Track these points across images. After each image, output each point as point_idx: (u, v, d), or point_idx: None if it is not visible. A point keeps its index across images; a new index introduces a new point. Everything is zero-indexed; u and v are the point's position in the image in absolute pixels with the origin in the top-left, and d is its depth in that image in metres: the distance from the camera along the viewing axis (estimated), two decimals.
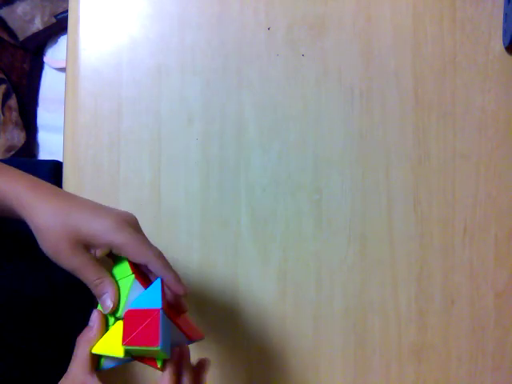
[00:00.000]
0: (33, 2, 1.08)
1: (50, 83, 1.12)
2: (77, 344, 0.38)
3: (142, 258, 0.38)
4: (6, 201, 0.39)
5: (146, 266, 0.39)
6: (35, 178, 0.41)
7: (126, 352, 0.37)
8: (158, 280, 0.39)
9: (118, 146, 0.58)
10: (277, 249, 0.57)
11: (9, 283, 0.45)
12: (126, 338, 0.36)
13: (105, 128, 0.58)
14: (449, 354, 0.57)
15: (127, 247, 0.38)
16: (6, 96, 1.11)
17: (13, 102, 1.11)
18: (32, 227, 0.38)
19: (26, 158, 1.09)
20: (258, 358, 0.57)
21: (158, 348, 0.35)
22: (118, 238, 0.38)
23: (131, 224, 0.39)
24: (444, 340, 0.57)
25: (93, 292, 0.39)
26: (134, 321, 0.37)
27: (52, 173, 0.60)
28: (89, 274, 0.38)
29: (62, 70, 1.09)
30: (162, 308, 0.37)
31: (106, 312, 0.39)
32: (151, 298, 0.38)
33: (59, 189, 0.42)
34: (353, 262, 0.57)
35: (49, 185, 0.41)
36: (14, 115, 1.11)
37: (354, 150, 0.58)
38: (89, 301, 0.55)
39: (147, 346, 0.36)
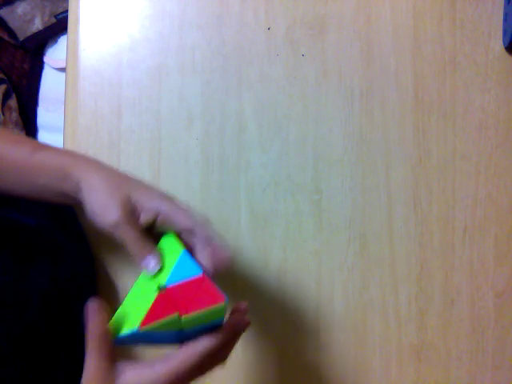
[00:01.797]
0: (33, 1, 1.08)
1: (50, 83, 1.12)
2: (88, 336, 0.37)
3: (189, 221, 0.40)
4: (60, 177, 0.41)
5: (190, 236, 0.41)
6: (83, 155, 0.45)
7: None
8: (183, 252, 0.40)
9: (118, 146, 0.58)
10: (277, 249, 0.57)
11: (13, 278, 0.45)
12: (184, 308, 0.36)
13: (105, 128, 0.58)
14: (449, 354, 0.57)
15: (175, 212, 0.40)
16: (6, 96, 1.11)
17: (13, 102, 1.11)
18: (86, 188, 0.40)
19: None
20: (257, 358, 0.57)
21: (225, 302, 0.36)
22: (166, 204, 0.40)
23: (175, 201, 0.42)
24: (444, 340, 0.57)
25: (134, 253, 0.40)
26: (181, 294, 0.37)
27: None
28: (133, 232, 0.40)
29: (62, 70, 1.09)
30: (203, 271, 0.38)
31: (151, 272, 0.40)
32: (186, 269, 0.38)
33: (102, 162, 0.45)
34: (353, 261, 0.57)
35: (98, 161, 0.44)
36: (14, 115, 1.11)
37: (353, 150, 0.58)
38: (94, 294, 0.55)
39: (212, 306, 0.36)
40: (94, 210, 0.40)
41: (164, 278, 0.39)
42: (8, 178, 0.44)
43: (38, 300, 0.46)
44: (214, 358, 0.39)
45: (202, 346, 0.36)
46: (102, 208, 0.40)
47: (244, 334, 0.52)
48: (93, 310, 0.36)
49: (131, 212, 0.40)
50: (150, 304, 0.36)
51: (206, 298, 0.36)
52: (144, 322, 0.35)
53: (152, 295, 0.37)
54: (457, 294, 0.57)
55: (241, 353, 0.57)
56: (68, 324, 0.49)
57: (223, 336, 0.37)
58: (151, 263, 0.40)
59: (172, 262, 0.40)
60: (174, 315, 0.35)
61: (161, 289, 0.38)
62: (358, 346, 0.57)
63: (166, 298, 0.37)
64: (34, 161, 0.42)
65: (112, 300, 0.57)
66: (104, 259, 0.57)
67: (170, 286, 0.38)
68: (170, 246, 0.41)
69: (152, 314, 0.35)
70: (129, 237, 0.40)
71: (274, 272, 0.57)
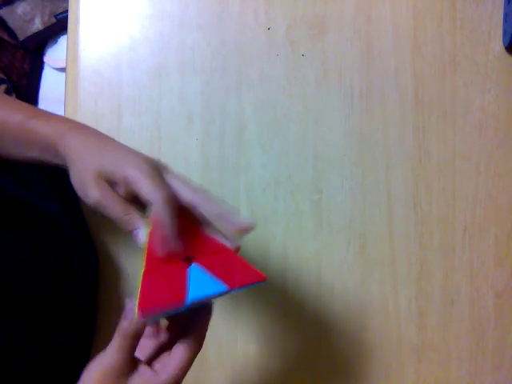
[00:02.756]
0: (33, 1, 1.08)
1: (50, 83, 1.12)
2: (119, 332, 0.36)
3: (148, 196, 0.36)
4: (52, 145, 0.41)
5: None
6: (75, 122, 0.44)
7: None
8: None
9: None
10: (277, 249, 0.57)
11: (14, 259, 0.45)
12: (231, 281, 0.36)
13: (105, 128, 0.58)
14: (449, 354, 0.57)
15: (137, 182, 0.37)
16: None
17: None
18: (69, 167, 0.40)
19: None
20: (257, 358, 0.57)
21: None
22: (131, 172, 0.37)
23: (153, 164, 0.39)
24: (444, 340, 0.57)
25: (122, 227, 0.38)
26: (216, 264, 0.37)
27: None
28: (115, 206, 0.38)
29: (62, 69, 1.09)
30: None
31: (138, 245, 0.38)
32: None
33: (99, 132, 0.43)
34: (353, 262, 0.57)
35: (89, 127, 0.43)
36: None
37: (353, 150, 0.58)
38: (95, 275, 0.55)
39: (256, 283, 0.36)
40: (76, 187, 0.39)
41: None
42: (4, 144, 0.44)
43: (46, 285, 0.46)
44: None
45: (188, 353, 0.37)
46: (81, 186, 0.38)
47: (244, 333, 0.53)
48: (130, 310, 0.36)
49: (109, 186, 0.38)
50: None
51: (247, 273, 0.36)
52: (190, 299, 0.35)
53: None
54: (457, 294, 0.57)
55: (241, 353, 0.57)
56: (71, 310, 0.49)
57: (198, 341, 0.37)
58: (138, 236, 0.38)
59: None
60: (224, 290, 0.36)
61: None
62: (358, 346, 0.57)
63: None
64: (26, 129, 0.42)
65: (113, 282, 0.57)
66: (104, 241, 0.57)
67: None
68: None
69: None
70: (112, 211, 0.38)
71: (273, 272, 0.57)
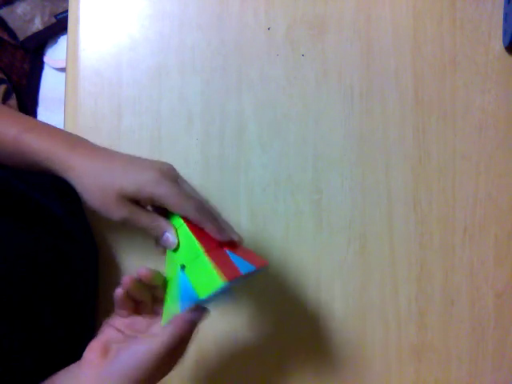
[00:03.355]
0: (33, 1, 1.08)
1: (50, 83, 1.12)
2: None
3: (179, 210, 0.41)
4: (46, 162, 0.41)
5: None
6: (71, 136, 0.44)
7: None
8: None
9: (118, 146, 0.57)
10: (277, 249, 0.57)
11: (15, 251, 0.45)
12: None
13: (105, 128, 0.58)
14: (449, 354, 0.57)
15: (166, 199, 0.40)
16: (6, 96, 1.11)
17: (13, 102, 1.11)
18: (78, 188, 0.41)
19: None
20: (257, 358, 0.57)
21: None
22: (157, 191, 0.40)
23: (170, 176, 0.42)
24: (444, 340, 0.57)
25: (153, 236, 0.41)
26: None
27: None
28: (142, 219, 0.41)
29: (62, 69, 1.09)
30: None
31: (171, 247, 0.41)
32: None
33: (96, 146, 0.44)
34: (353, 261, 0.57)
35: (85, 142, 0.44)
36: None
37: (353, 150, 0.58)
38: (95, 268, 0.56)
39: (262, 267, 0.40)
40: (97, 210, 0.41)
41: (185, 256, 0.41)
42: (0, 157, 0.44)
43: (46, 277, 0.46)
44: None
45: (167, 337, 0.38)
46: (104, 209, 0.40)
47: (244, 333, 0.53)
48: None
49: (131, 202, 0.41)
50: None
51: (255, 259, 0.41)
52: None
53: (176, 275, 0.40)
54: (457, 294, 0.57)
55: (241, 352, 0.57)
56: (71, 302, 0.49)
57: (178, 330, 0.39)
58: (169, 239, 0.41)
59: (187, 236, 0.41)
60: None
61: (182, 267, 0.40)
62: (358, 346, 0.57)
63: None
64: (20, 144, 0.42)
65: (112, 277, 0.57)
66: (105, 237, 0.57)
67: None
68: (178, 224, 0.42)
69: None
70: (140, 224, 0.41)
71: (273, 272, 0.57)
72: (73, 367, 0.39)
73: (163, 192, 0.40)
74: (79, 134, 0.57)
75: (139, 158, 0.44)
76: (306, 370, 0.58)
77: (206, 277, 0.38)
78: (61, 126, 0.58)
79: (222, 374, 0.57)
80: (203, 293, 0.37)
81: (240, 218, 0.57)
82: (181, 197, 0.41)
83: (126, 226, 0.41)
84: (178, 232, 0.42)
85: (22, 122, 0.44)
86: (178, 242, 0.41)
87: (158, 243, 0.42)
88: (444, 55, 0.58)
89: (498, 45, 0.58)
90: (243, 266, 0.40)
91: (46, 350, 0.45)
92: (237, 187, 0.57)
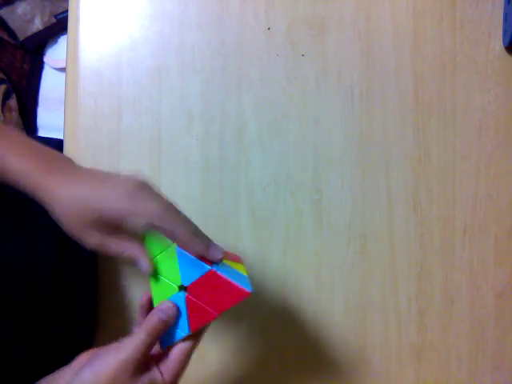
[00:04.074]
0: (33, 1, 1.08)
1: (50, 83, 1.12)
2: (145, 325, 0.38)
3: (167, 227, 0.38)
4: (21, 181, 0.40)
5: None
6: (49, 156, 0.42)
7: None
8: (177, 248, 0.41)
9: (118, 146, 0.57)
10: (277, 249, 0.57)
11: (18, 255, 0.45)
12: (215, 308, 0.38)
13: (105, 128, 0.58)
14: (449, 354, 0.57)
15: (139, 218, 0.38)
16: (6, 96, 1.11)
17: (13, 101, 1.11)
18: (53, 213, 0.39)
19: (33, 135, 1.08)
20: (257, 358, 0.57)
21: (252, 294, 0.37)
22: (136, 211, 0.38)
23: (145, 191, 0.39)
24: (444, 340, 0.57)
25: (127, 261, 0.40)
26: (204, 290, 0.38)
27: None
28: (112, 249, 0.39)
29: (62, 69, 1.09)
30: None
31: (146, 274, 0.40)
32: (192, 265, 0.39)
33: (72, 166, 0.42)
34: (353, 261, 0.57)
35: (62, 164, 0.41)
36: (14, 115, 1.11)
37: (354, 150, 0.58)
38: (94, 265, 0.56)
39: (239, 301, 0.37)
40: (71, 233, 0.39)
41: (176, 278, 0.39)
42: None
43: (44, 269, 0.46)
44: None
45: (186, 354, 0.38)
46: (77, 234, 0.39)
47: (244, 333, 0.53)
48: (161, 309, 0.38)
49: (106, 227, 0.39)
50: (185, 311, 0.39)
51: (230, 293, 0.38)
52: (192, 329, 0.38)
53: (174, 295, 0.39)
54: (457, 294, 0.57)
55: (241, 352, 0.57)
56: (69, 300, 0.49)
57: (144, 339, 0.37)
58: (143, 267, 0.40)
59: (172, 259, 0.40)
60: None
61: (180, 288, 0.39)
62: (357, 346, 0.57)
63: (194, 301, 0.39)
64: (2, 168, 0.40)
65: (112, 278, 0.57)
66: None
67: (189, 284, 0.39)
68: (158, 242, 0.41)
69: (194, 321, 0.38)
70: (112, 252, 0.40)
71: (273, 272, 0.57)
72: (57, 372, 0.38)
73: (142, 212, 0.38)
74: (79, 134, 0.58)
75: (111, 175, 0.41)
76: (306, 370, 0.58)
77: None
78: (61, 126, 0.58)
79: (222, 372, 0.57)
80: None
81: (240, 218, 0.57)
82: (167, 223, 0.38)
83: (101, 253, 0.40)
84: (165, 254, 0.41)
85: (2, 146, 0.42)
86: (156, 270, 0.40)
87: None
88: (444, 55, 0.58)
89: (498, 45, 0.58)
90: (242, 282, 0.38)
91: (46, 350, 0.45)
92: (237, 187, 0.57)
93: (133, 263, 0.40)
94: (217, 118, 0.58)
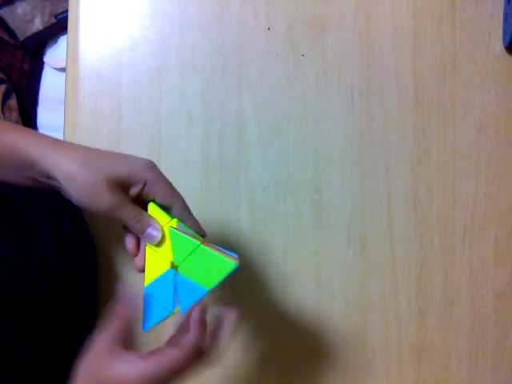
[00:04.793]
0: (33, 1, 1.08)
1: (50, 83, 1.12)
2: (115, 316, 0.38)
3: (169, 197, 0.40)
4: (24, 151, 0.39)
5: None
6: (50, 137, 0.41)
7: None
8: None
9: (118, 146, 0.58)
10: (277, 249, 0.57)
11: (17, 256, 0.45)
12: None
13: (105, 128, 0.58)
14: (449, 354, 0.57)
15: (159, 185, 0.40)
16: (6, 96, 1.11)
17: (13, 101, 1.11)
18: (62, 177, 0.38)
19: None
20: (257, 358, 0.57)
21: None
22: (151, 175, 0.40)
23: (157, 168, 0.41)
24: (444, 340, 0.57)
25: (134, 229, 0.40)
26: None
27: None
28: (128, 211, 0.39)
29: (62, 69, 1.09)
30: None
31: (154, 242, 0.40)
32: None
33: (74, 144, 0.42)
34: (353, 262, 0.57)
35: (64, 141, 0.41)
36: (14, 115, 1.11)
37: (353, 150, 0.58)
38: (94, 265, 0.56)
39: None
40: (83, 199, 0.39)
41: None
42: None
43: (42, 271, 0.46)
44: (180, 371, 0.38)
45: (170, 354, 0.37)
46: (92, 197, 0.38)
47: (244, 333, 0.52)
48: (129, 298, 0.38)
49: (120, 189, 0.39)
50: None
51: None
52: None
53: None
54: (457, 294, 0.57)
55: (240, 352, 0.57)
56: (69, 300, 0.49)
57: (185, 350, 0.37)
58: (153, 233, 0.40)
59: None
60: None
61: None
62: (358, 346, 0.57)
63: None
64: (1, 144, 0.40)
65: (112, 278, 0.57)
66: (103, 239, 0.57)
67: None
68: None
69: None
70: (126, 215, 0.40)
71: (273, 272, 0.57)
72: None
73: (156, 177, 0.40)
74: (79, 134, 0.58)
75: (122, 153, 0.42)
76: (306, 370, 0.58)
77: (213, 265, 0.38)
78: (61, 126, 0.58)
79: (223, 371, 0.57)
80: (211, 282, 0.37)
81: (240, 218, 0.57)
82: (171, 186, 0.41)
83: (108, 217, 0.39)
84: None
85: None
86: (161, 238, 0.40)
87: (130, 244, 0.42)
88: (444, 55, 0.58)
89: (498, 45, 0.58)
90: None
91: (45, 350, 0.45)
92: (237, 187, 0.57)
93: (141, 231, 0.40)
94: (217, 118, 0.58)
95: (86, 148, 0.40)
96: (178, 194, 0.41)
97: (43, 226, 0.47)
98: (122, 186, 0.39)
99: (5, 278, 0.43)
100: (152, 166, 0.40)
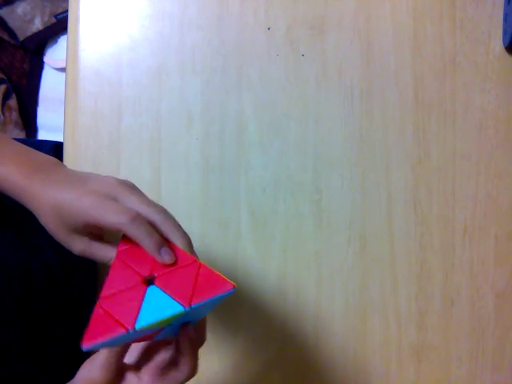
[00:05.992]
0: (33, 1, 1.08)
1: (50, 83, 1.12)
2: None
3: (112, 224, 0.36)
4: (5, 185, 0.39)
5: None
6: (33, 160, 0.40)
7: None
8: None
9: (118, 146, 0.58)
10: (277, 249, 0.57)
11: (19, 255, 0.45)
12: (187, 300, 0.33)
13: (105, 128, 0.58)
14: (449, 354, 0.57)
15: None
16: (6, 96, 1.11)
17: (13, 101, 1.11)
18: (39, 219, 0.39)
19: (26, 139, 1.09)
20: (257, 358, 0.57)
21: (235, 289, 0.34)
22: (132, 230, 0.36)
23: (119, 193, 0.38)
24: (444, 340, 0.57)
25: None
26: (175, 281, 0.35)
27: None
28: (98, 255, 0.39)
29: (62, 69, 1.09)
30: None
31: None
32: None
33: (56, 169, 0.40)
34: (353, 261, 0.57)
35: (47, 166, 0.40)
36: (14, 115, 1.11)
37: (353, 150, 0.58)
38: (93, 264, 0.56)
39: (220, 294, 0.34)
40: (57, 238, 0.39)
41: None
42: None
43: (43, 275, 0.46)
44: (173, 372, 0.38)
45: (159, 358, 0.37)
46: (64, 240, 0.38)
47: (244, 333, 0.52)
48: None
49: (90, 232, 0.38)
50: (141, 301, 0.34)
51: (211, 285, 0.34)
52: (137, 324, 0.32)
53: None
54: (457, 294, 0.57)
55: (240, 352, 0.57)
56: (70, 303, 0.49)
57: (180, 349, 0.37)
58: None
59: None
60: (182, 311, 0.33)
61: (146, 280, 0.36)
62: (357, 346, 0.57)
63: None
64: None
65: None
66: None
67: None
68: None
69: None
70: (96, 258, 0.39)
71: (273, 272, 0.57)
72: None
73: (99, 219, 0.36)
74: (79, 134, 0.58)
75: (86, 176, 0.39)
76: (306, 370, 0.58)
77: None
78: (61, 126, 0.58)
79: (223, 371, 0.57)
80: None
81: (240, 218, 0.57)
82: (156, 239, 0.37)
83: (89, 258, 0.39)
84: None
85: None
86: None
87: None
88: (444, 55, 0.58)
89: (498, 45, 0.58)
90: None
91: (45, 350, 0.45)
92: (237, 187, 0.58)
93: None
94: (217, 118, 0.58)
95: (54, 186, 0.38)
96: (126, 215, 0.36)
97: (44, 230, 0.48)
98: (91, 229, 0.38)
99: (4, 281, 0.42)
100: (134, 219, 0.36)
